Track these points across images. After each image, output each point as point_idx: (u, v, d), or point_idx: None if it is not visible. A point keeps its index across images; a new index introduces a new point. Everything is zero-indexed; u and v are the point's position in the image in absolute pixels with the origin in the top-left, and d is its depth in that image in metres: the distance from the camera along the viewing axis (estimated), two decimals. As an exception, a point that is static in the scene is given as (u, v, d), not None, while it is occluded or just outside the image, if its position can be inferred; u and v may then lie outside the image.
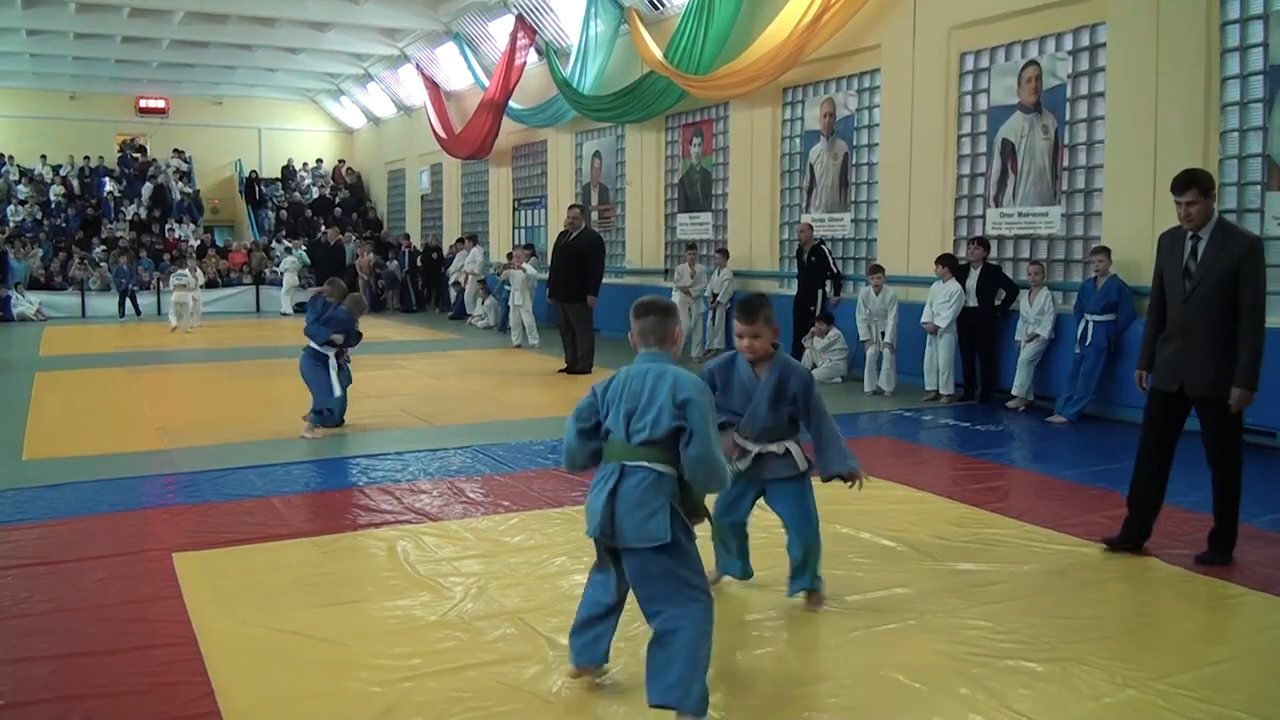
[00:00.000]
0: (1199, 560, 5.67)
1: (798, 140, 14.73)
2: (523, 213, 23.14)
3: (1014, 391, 10.78)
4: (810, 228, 13.61)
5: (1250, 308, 5.47)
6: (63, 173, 30.66)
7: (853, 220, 13.81)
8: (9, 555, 5.95)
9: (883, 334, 11.68)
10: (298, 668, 4.33)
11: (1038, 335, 10.55)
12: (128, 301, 23.96)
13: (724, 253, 15.33)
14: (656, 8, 16.86)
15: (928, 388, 11.36)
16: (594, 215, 19.75)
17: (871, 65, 13.30)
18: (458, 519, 6.65)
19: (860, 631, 4.72)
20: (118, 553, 5.84)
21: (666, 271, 17.70)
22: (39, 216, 28.62)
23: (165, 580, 5.37)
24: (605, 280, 17.87)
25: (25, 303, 23.02)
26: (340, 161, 33.77)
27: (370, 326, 20.44)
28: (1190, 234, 5.66)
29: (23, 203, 28.95)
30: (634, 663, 4.17)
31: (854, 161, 13.76)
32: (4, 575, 5.54)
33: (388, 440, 9.23)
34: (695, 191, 16.99)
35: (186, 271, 21.01)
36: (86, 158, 31.26)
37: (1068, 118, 10.91)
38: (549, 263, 13.80)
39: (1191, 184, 5.58)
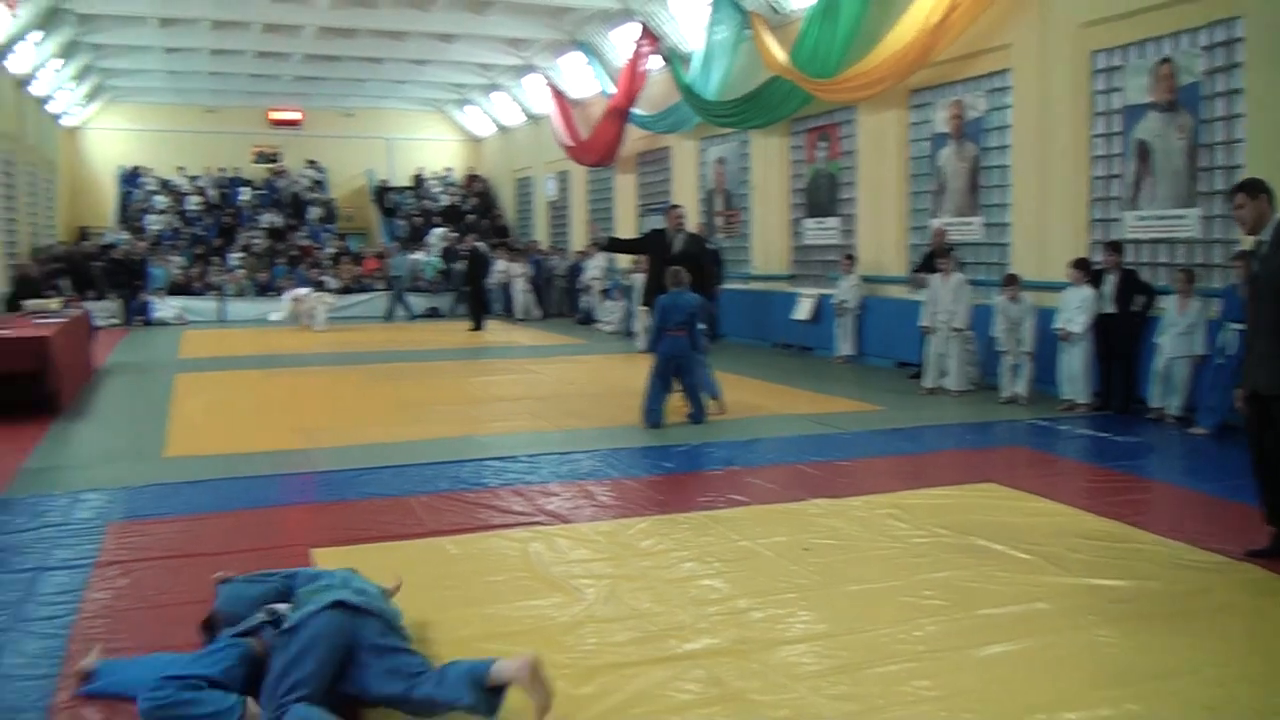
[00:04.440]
0: None
1: (926, 143, 14.55)
2: (648, 219, 23.23)
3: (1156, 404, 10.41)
4: (944, 231, 13.43)
5: None
6: (200, 184, 31.74)
7: (984, 224, 13.58)
8: (152, 547, 6.24)
9: (1018, 341, 11.41)
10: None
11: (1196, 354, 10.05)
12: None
13: (851, 258, 15.21)
14: (779, 11, 16.79)
15: (1063, 396, 11.06)
16: (719, 221, 19.77)
17: (1000, 65, 13.07)
18: (588, 521, 6.73)
19: (997, 647, 4.64)
20: (257, 547, 6.04)
21: (792, 277, 17.63)
22: (177, 226, 29.68)
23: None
24: (730, 285, 18.01)
25: (166, 307, 23.86)
26: (470, 170, 34.31)
27: (501, 331, 20.95)
28: (1255, 239, 5.82)
29: (162, 213, 30.04)
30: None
31: (984, 164, 13.54)
32: (147, 566, 5.80)
33: (519, 443, 9.36)
34: (821, 196, 16.89)
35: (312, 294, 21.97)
36: (222, 169, 32.34)
37: (1204, 116, 10.59)
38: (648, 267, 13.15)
39: (1238, 190, 5.86)
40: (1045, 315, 11.32)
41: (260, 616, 4.20)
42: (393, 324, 23.79)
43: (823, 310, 16.07)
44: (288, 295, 22.41)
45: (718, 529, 6.47)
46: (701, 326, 10.37)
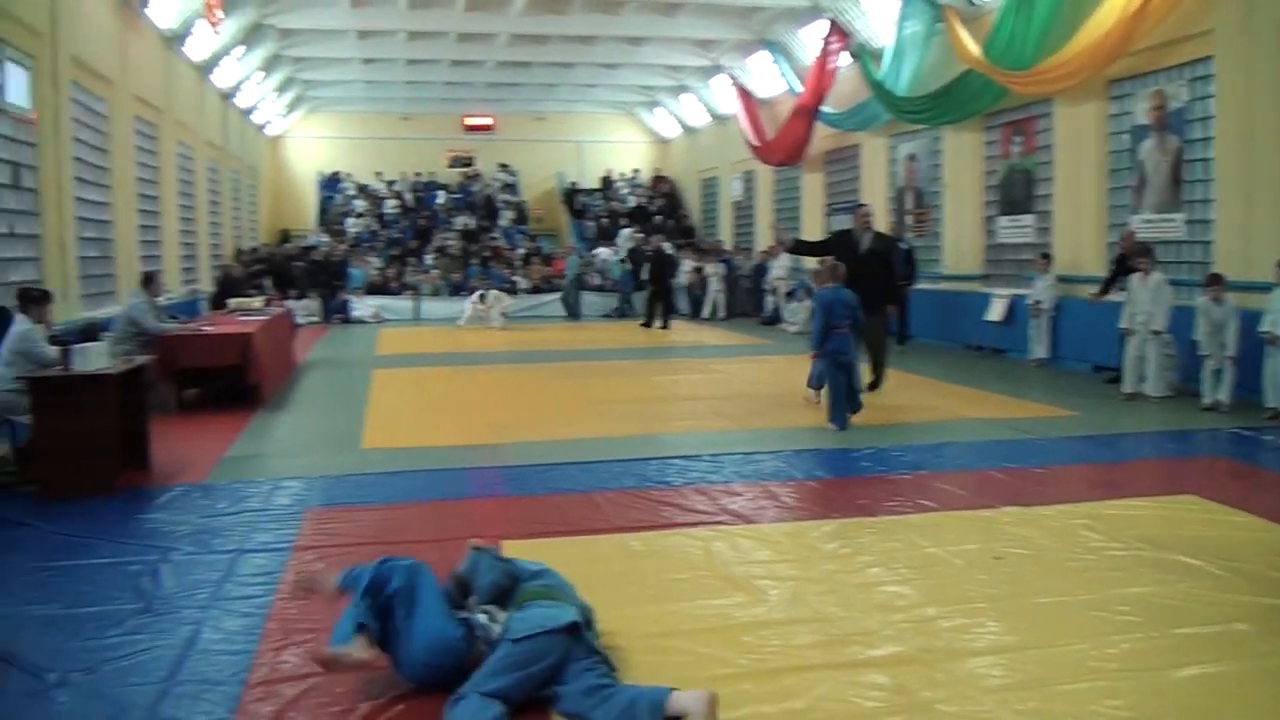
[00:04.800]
0: None
1: (1125, 136, 13.94)
2: (835, 218, 22.96)
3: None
4: (1134, 232, 12.86)
5: None
6: (396, 188, 32.84)
7: (1185, 221, 12.92)
8: (352, 534, 6.49)
9: (1222, 345, 10.81)
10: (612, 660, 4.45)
11: None
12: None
13: (1047, 257, 14.72)
14: (973, 3, 16.37)
15: (1268, 404, 10.38)
16: (909, 219, 19.40)
17: (1204, 52, 12.40)
18: (771, 522, 6.68)
19: (1193, 669, 4.40)
20: (449, 537, 6.12)
21: (985, 277, 17.17)
22: (375, 228, 30.78)
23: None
24: (921, 285, 17.65)
25: (363, 306, 24.73)
26: (656, 171, 34.56)
27: (687, 331, 21.03)
28: None
29: (360, 216, 31.22)
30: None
31: (1186, 157, 12.88)
32: (342, 552, 6.01)
33: (703, 442, 9.35)
34: (1016, 193, 16.37)
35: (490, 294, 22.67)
36: (418, 173, 33.37)
37: None
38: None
39: None
40: (1250, 317, 10.68)
41: (477, 618, 4.35)
42: (577, 323, 24.13)
43: (1016, 311, 15.60)
44: (470, 298, 23.04)
45: (905, 534, 6.33)
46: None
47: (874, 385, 12.14)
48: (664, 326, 21.81)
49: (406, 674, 4.20)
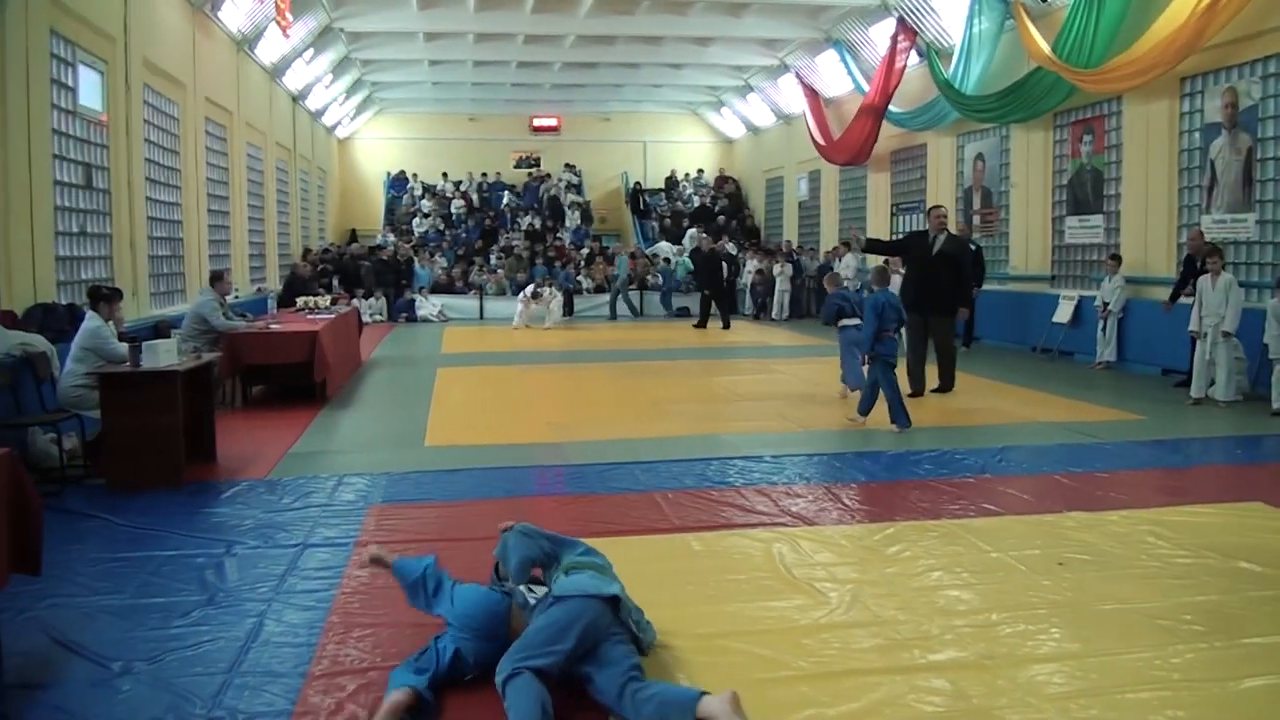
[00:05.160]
0: None
1: (1196, 135, 13.68)
2: (900, 218, 22.80)
3: None
4: (1201, 234, 12.61)
5: None
6: (463, 188, 33.07)
7: (1257, 221, 12.65)
8: (413, 530, 6.55)
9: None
10: (668, 660, 4.44)
11: None
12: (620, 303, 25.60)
13: (1116, 258, 14.49)
14: (1043, 0, 16.15)
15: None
16: (977, 219, 19.20)
17: (1277, 49, 12.16)
18: (833, 525, 6.63)
19: (1258, 680, 4.29)
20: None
21: (1053, 278, 16.93)
22: (441, 228, 31.07)
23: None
24: (988, 287, 17.44)
25: (429, 305, 24.92)
26: (721, 171, 34.49)
27: (750, 332, 20.97)
28: None
29: (426, 215, 31.53)
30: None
31: (1259, 156, 12.61)
32: (405, 547, 6.03)
33: (764, 443, 9.31)
34: (1085, 192, 16.13)
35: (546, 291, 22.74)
36: (484, 174, 33.57)
37: None
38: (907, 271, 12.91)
39: None
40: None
41: (517, 590, 4.48)
42: (632, 322, 24.13)
43: (1083, 313, 15.37)
44: (520, 296, 23.19)
45: (968, 538, 6.26)
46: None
47: (942, 388, 12.07)
48: (724, 326, 21.85)
49: (454, 637, 4.29)
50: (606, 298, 25.95)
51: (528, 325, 22.11)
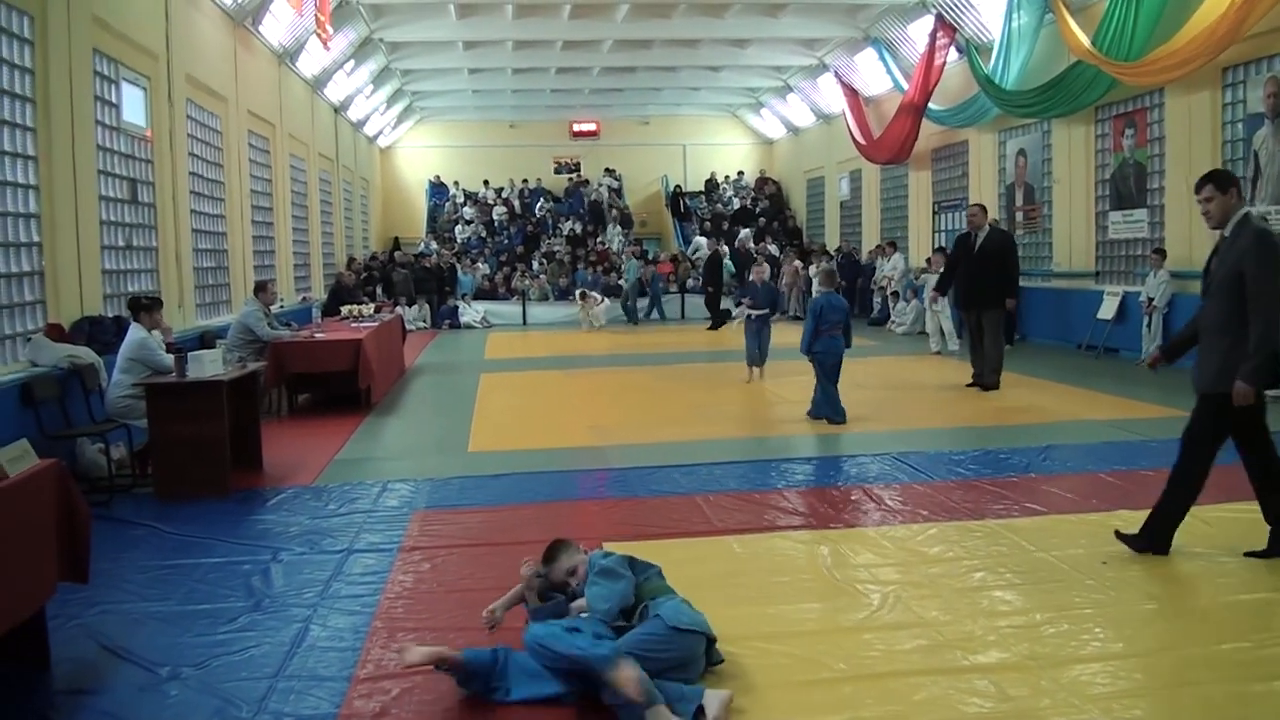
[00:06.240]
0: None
1: (1239, 125, 13.51)
2: (942, 216, 22.66)
3: None
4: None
5: (1254, 299, 5.39)
6: (504, 195, 33.19)
7: (1305, 212, 12.48)
8: (457, 535, 6.60)
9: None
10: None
11: None
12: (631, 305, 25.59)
13: (1161, 252, 14.33)
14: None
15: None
16: (1019, 216, 19.05)
17: (1321, 34, 12.00)
18: (875, 526, 6.61)
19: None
20: (553, 539, 6.21)
21: (1097, 274, 16.76)
22: (483, 235, 31.20)
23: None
24: (1031, 284, 17.31)
25: (471, 312, 25.05)
26: (761, 172, 34.41)
27: (791, 333, 20.87)
28: (1219, 233, 5.70)
29: (469, 223, 31.68)
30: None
31: (1305, 146, 12.43)
32: (451, 552, 6.14)
33: (805, 445, 9.31)
34: (1129, 186, 15.96)
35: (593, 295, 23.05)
36: (525, 180, 33.69)
37: None
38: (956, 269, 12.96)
39: (1206, 181, 5.68)
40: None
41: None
42: (635, 328, 24.28)
43: (1128, 309, 15.21)
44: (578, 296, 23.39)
45: (1011, 538, 6.22)
46: None
47: (988, 385, 12.05)
48: (713, 327, 22.39)
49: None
50: (644, 302, 26.00)
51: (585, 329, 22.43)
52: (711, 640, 4.33)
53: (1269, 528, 5.80)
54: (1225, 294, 5.56)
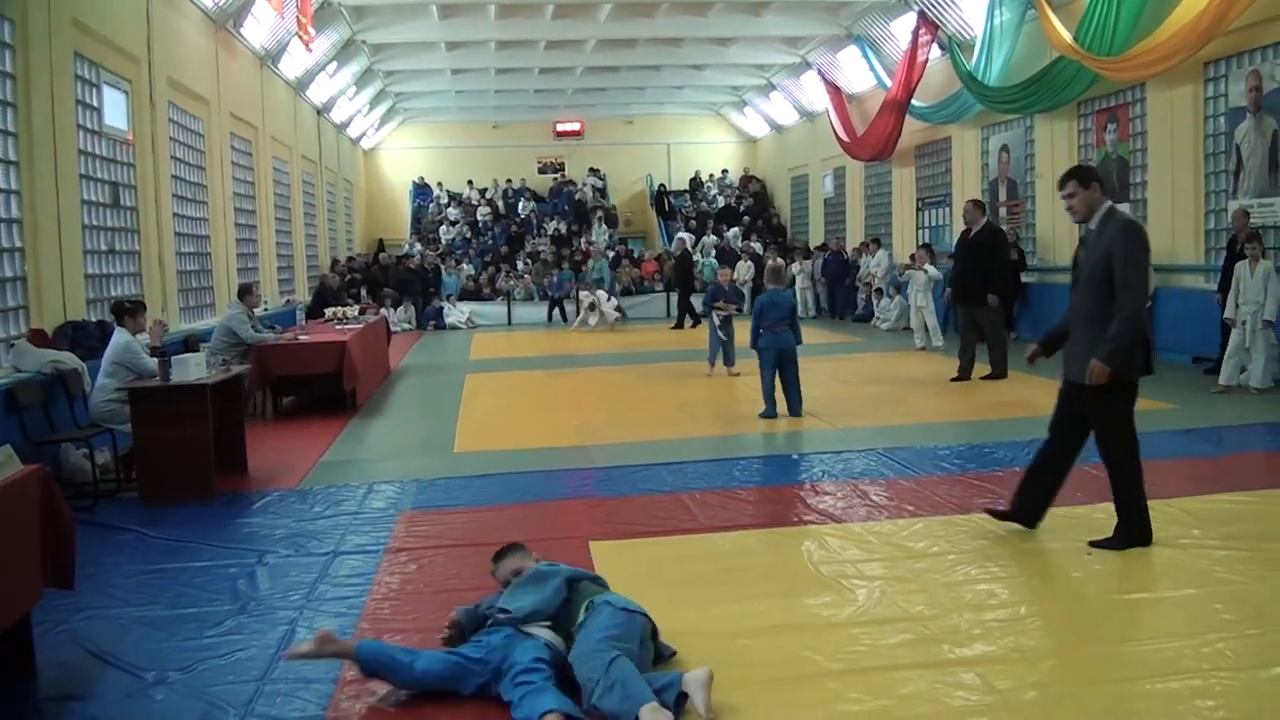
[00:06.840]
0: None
1: (1222, 119, 13.56)
2: (926, 213, 22.71)
3: None
4: (1246, 214, 12.49)
5: (1122, 287, 5.56)
6: (488, 195, 33.15)
7: (1288, 205, 12.52)
8: (442, 536, 6.59)
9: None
10: (697, 659, 4.39)
11: None
12: (556, 309, 25.56)
13: (1144, 246, 14.37)
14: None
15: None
16: (1002, 211, 19.10)
17: (1301, 28, 12.05)
18: (861, 521, 6.62)
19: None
20: (538, 539, 6.13)
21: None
22: (468, 235, 31.17)
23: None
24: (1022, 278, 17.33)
25: (456, 313, 25.04)
26: (745, 171, 34.44)
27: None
28: (1083, 227, 5.89)
29: (453, 224, 31.66)
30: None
31: (1287, 139, 12.48)
32: (437, 553, 6.14)
33: (790, 441, 9.34)
34: (1111, 181, 15.99)
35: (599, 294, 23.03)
36: (509, 180, 33.65)
37: None
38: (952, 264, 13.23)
39: (1069, 178, 5.85)
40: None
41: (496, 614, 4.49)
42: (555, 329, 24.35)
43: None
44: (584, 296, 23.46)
45: (996, 532, 6.24)
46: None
47: (994, 375, 12.59)
48: (678, 325, 22.60)
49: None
50: (634, 300, 25.98)
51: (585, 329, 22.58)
52: (655, 630, 4.39)
53: (1013, 508, 6.24)
54: (1094, 284, 5.69)
